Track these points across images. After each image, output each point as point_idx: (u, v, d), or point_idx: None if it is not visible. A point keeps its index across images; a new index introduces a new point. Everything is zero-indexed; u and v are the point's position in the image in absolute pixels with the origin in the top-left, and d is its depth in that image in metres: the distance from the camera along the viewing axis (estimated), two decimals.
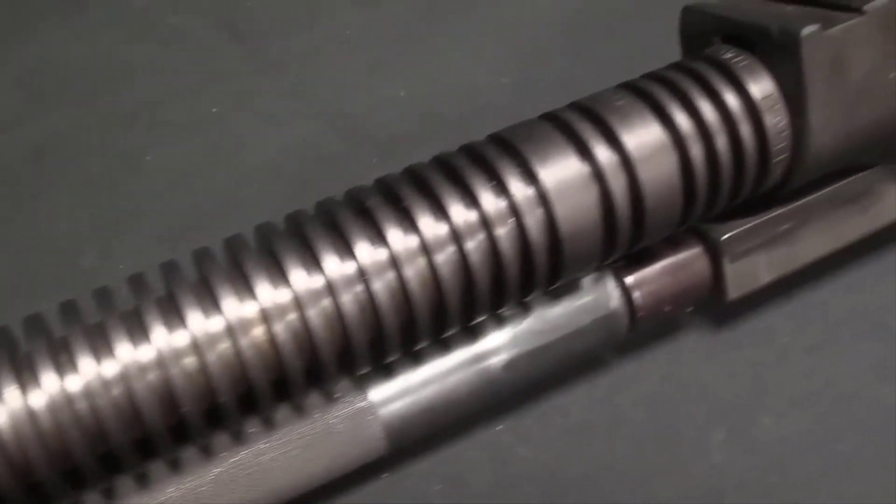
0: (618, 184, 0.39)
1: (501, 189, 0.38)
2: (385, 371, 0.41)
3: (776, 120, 0.41)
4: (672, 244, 0.45)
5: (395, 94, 0.61)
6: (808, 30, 0.39)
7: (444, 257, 0.37)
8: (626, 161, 0.39)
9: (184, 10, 0.66)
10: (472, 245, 0.37)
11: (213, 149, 0.58)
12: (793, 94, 0.40)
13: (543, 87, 0.59)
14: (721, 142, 0.40)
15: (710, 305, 0.47)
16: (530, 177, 0.38)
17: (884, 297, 0.50)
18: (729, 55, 0.42)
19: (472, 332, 0.42)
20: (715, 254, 0.45)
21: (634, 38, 0.59)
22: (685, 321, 0.49)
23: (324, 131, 0.59)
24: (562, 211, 0.38)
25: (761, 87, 0.41)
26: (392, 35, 0.63)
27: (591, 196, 0.38)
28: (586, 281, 0.43)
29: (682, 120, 0.40)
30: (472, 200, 0.37)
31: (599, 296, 0.43)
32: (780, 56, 0.40)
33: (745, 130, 0.40)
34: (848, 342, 0.49)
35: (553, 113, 0.41)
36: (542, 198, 0.38)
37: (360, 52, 0.63)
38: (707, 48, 0.43)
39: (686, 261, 0.45)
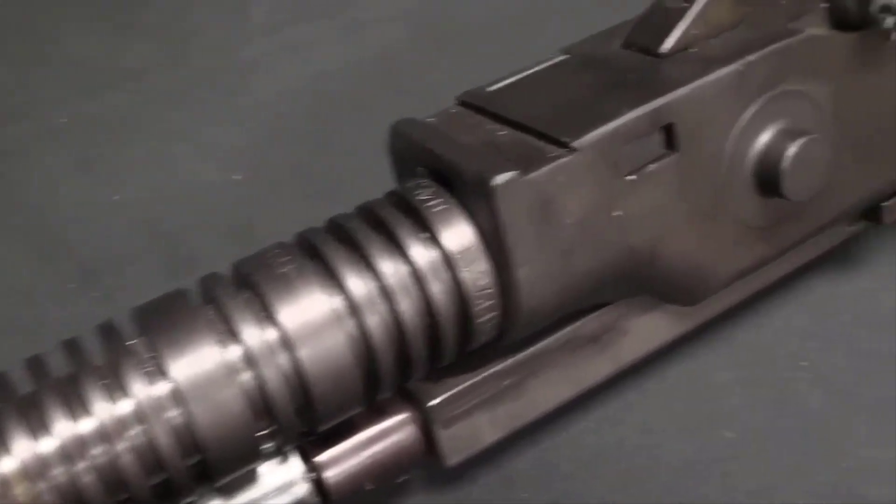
0: (271, 371, 0.32)
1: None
2: None
3: (476, 276, 0.34)
4: (376, 411, 0.38)
5: (107, 197, 0.52)
6: (502, 177, 0.33)
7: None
8: (284, 342, 0.32)
9: None
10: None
11: None
12: (495, 245, 0.34)
13: (281, 182, 0.51)
14: (406, 306, 0.34)
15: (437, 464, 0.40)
16: (162, 374, 0.31)
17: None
18: (424, 197, 0.35)
19: None
20: (425, 420, 0.38)
21: (374, 124, 0.52)
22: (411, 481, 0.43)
23: (15, 247, 0.50)
24: (202, 416, 0.31)
25: (458, 238, 0.34)
26: (108, 126, 0.55)
27: (233, 391, 0.31)
28: (269, 465, 0.36)
29: (356, 285, 0.33)
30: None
31: (283, 483, 0.36)
32: (477, 202, 0.34)
33: (437, 289, 0.34)
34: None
35: (210, 283, 0.34)
36: (179, 399, 0.31)
37: (69, 146, 0.54)
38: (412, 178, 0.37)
39: (390, 430, 0.38)
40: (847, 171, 0.41)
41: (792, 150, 0.37)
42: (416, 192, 0.36)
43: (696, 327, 0.43)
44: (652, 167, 0.36)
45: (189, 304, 0.33)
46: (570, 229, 0.35)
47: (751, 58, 0.36)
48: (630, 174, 0.35)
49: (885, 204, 0.44)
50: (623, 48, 0.39)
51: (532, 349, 0.39)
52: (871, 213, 0.45)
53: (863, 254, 0.50)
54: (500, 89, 0.40)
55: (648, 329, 0.41)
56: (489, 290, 0.35)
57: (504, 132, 0.37)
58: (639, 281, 0.38)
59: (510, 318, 0.35)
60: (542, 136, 0.35)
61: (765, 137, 0.38)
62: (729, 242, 0.39)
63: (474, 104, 0.39)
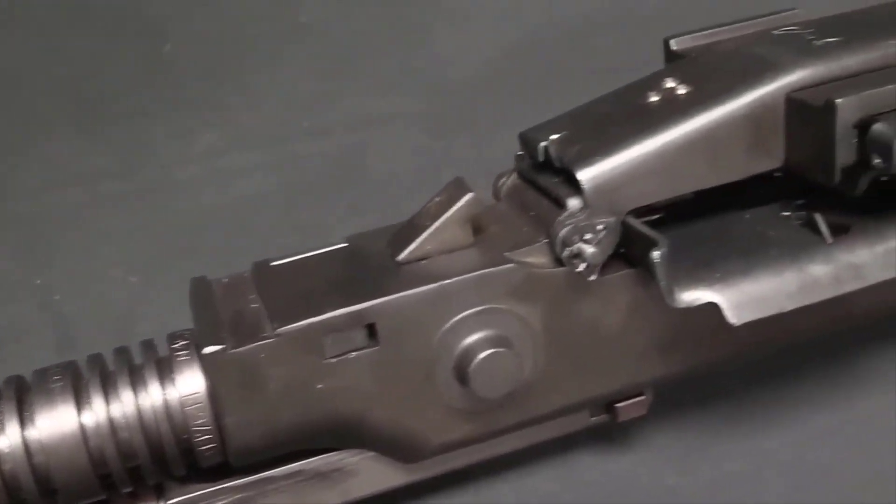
0: (23, 464, 0.43)
1: None
2: None
3: (197, 415, 0.45)
4: (132, 495, 0.48)
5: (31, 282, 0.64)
6: (209, 349, 0.43)
7: None
8: (37, 441, 0.43)
9: None
10: None
11: None
12: (215, 397, 0.44)
13: (171, 288, 0.61)
14: (135, 430, 0.44)
15: None
16: None
17: None
18: (177, 345, 0.46)
19: None
20: None
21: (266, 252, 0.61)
22: None
23: None
24: None
25: (189, 384, 0.45)
26: (48, 221, 0.66)
27: None
28: None
29: (99, 408, 0.44)
30: None
31: None
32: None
33: (163, 419, 0.44)
34: None
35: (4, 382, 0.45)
36: None
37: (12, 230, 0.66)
38: None
39: None
40: (563, 376, 0.49)
41: (480, 356, 0.45)
42: (175, 342, 0.46)
43: (432, 477, 0.51)
44: (353, 355, 0.45)
45: None
46: (274, 393, 0.44)
47: (447, 281, 0.45)
48: (332, 358, 0.45)
49: (618, 405, 0.52)
50: (385, 248, 0.48)
51: (263, 474, 0.48)
52: (610, 410, 0.52)
53: (634, 432, 0.56)
54: (279, 265, 0.49)
55: (378, 473, 0.50)
56: (208, 427, 0.45)
57: (255, 305, 0.47)
58: (353, 438, 0.47)
59: (224, 451, 0.45)
60: (268, 315, 0.45)
61: (468, 341, 0.46)
62: (437, 420, 0.47)
63: (256, 274, 0.49)
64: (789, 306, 0.45)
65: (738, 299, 0.45)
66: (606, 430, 0.54)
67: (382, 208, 0.56)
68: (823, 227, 0.48)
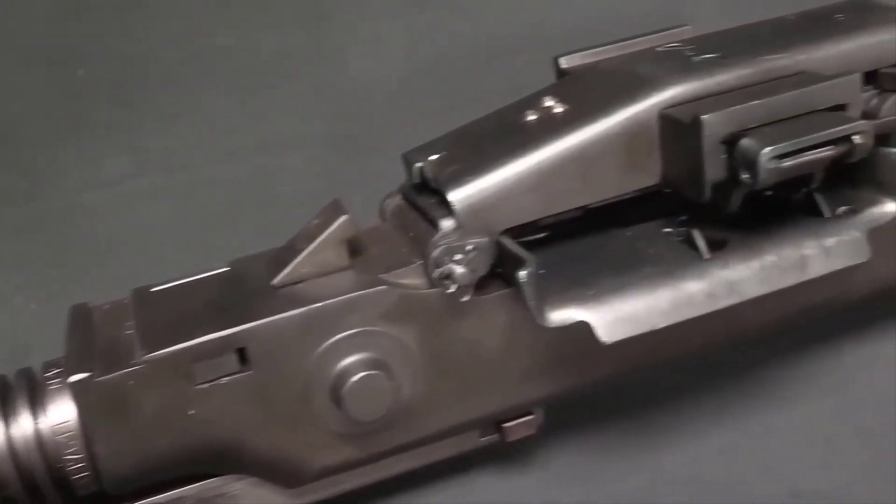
0: None
1: None
2: None
3: (69, 443, 0.44)
4: None
5: None
6: (75, 376, 0.43)
7: None
8: None
9: None
10: None
11: None
12: (86, 425, 0.44)
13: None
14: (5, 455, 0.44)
15: None
16: None
17: None
18: (50, 374, 0.46)
19: None
20: None
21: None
22: None
23: None
24: None
25: (60, 412, 0.45)
26: None
27: None
28: None
29: None
30: None
31: None
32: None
33: (33, 448, 0.44)
34: None
35: None
36: None
37: None
38: None
39: None
40: (445, 397, 0.48)
41: (353, 379, 0.45)
42: (48, 370, 0.46)
43: (320, 501, 0.51)
44: (225, 380, 0.45)
45: None
46: (145, 421, 0.44)
47: (319, 305, 0.45)
48: (203, 383, 0.44)
49: (506, 425, 0.51)
50: (265, 272, 0.48)
51: (142, 501, 0.48)
52: (499, 429, 0.52)
53: (530, 451, 0.56)
54: (159, 291, 0.49)
55: (261, 499, 0.49)
56: (80, 456, 0.45)
57: (130, 332, 0.46)
58: (232, 464, 0.47)
59: (98, 479, 0.45)
60: (139, 342, 0.45)
61: (343, 363, 0.46)
62: (317, 443, 0.47)
63: (135, 299, 0.49)
64: (661, 323, 0.45)
65: (609, 317, 0.45)
66: (504, 449, 0.54)
67: (291, 232, 0.56)
68: (701, 243, 0.48)
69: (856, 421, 0.56)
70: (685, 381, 0.58)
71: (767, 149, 0.43)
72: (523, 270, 0.43)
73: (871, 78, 0.51)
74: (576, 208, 0.49)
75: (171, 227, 0.66)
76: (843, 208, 0.51)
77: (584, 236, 0.51)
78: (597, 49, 0.55)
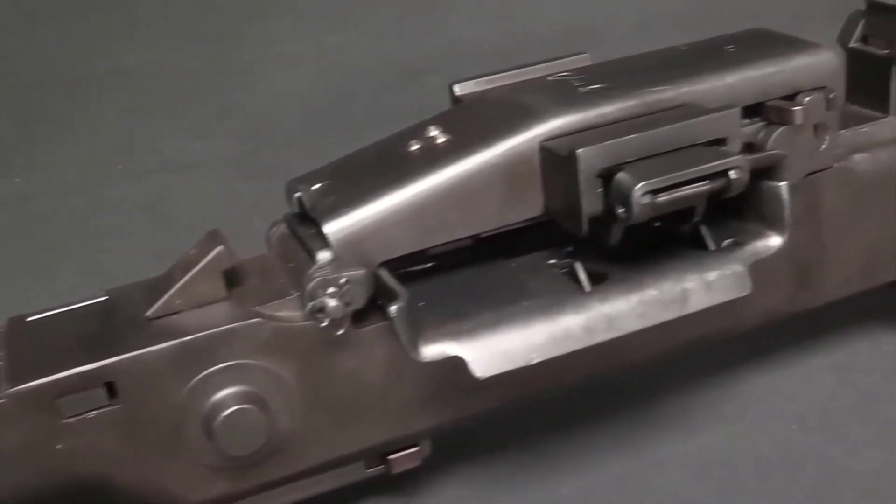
0: None
1: None
2: None
3: None
4: None
5: None
6: None
7: None
8: None
9: None
10: None
11: None
12: None
13: None
14: None
15: None
16: None
17: None
18: None
19: None
20: None
21: None
22: None
23: None
24: None
25: None
26: None
27: None
28: None
29: None
30: None
31: None
32: None
33: None
34: None
35: None
36: None
37: None
38: None
39: None
40: (325, 430, 0.48)
41: (224, 413, 0.44)
42: None
43: None
44: (92, 414, 0.44)
45: None
46: (11, 456, 0.43)
47: (189, 338, 0.44)
48: (70, 417, 0.43)
49: (391, 457, 0.51)
50: (141, 302, 0.47)
51: None
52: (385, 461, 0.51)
53: (421, 482, 0.56)
54: (34, 321, 0.48)
55: None
56: None
57: (1, 363, 0.45)
58: (104, 500, 0.46)
59: None
60: (5, 375, 0.44)
61: (216, 397, 0.45)
62: (193, 477, 0.46)
63: (9, 329, 0.48)
64: (537, 358, 0.45)
65: (483, 353, 0.45)
66: (394, 480, 0.53)
67: None
68: (582, 276, 0.48)
69: (753, 451, 0.56)
70: (581, 408, 0.57)
71: (641, 184, 0.42)
72: (393, 305, 0.43)
73: (759, 110, 0.51)
74: (465, 237, 0.48)
75: (66, 248, 0.65)
76: (728, 241, 0.51)
77: (471, 266, 0.51)
78: (491, 76, 0.54)
